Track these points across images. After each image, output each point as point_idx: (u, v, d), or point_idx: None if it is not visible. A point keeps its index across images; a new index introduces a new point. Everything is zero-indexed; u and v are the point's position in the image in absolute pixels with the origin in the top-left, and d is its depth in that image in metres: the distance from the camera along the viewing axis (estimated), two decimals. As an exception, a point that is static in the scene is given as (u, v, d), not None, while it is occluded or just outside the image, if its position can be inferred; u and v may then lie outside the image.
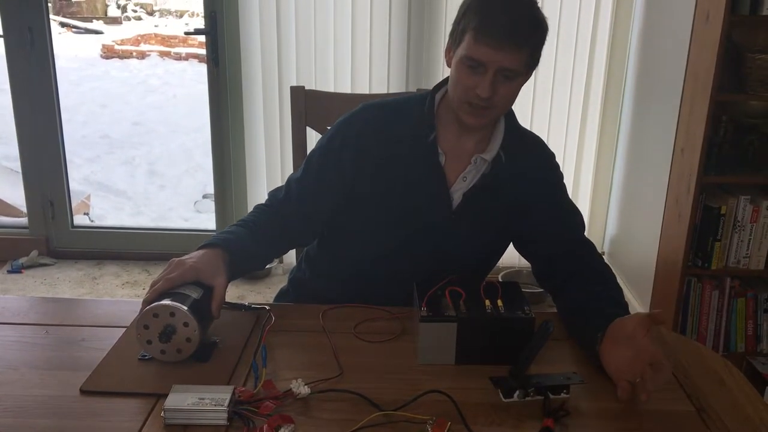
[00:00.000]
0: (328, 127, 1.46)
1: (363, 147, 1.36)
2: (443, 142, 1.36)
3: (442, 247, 1.38)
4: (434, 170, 1.35)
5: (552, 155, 1.46)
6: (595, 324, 1.16)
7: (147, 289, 1.17)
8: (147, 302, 1.12)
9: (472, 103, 1.27)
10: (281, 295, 1.60)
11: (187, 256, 1.21)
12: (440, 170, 1.35)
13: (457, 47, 1.27)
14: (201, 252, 1.24)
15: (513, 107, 1.38)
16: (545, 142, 1.47)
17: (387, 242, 1.39)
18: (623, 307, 1.23)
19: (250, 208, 1.48)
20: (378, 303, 1.34)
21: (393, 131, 1.37)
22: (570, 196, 1.47)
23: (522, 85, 1.31)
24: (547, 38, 1.29)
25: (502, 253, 1.49)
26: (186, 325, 1.10)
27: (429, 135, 1.34)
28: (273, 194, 1.46)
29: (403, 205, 1.36)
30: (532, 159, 1.42)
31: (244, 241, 1.31)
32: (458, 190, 1.36)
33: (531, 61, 1.27)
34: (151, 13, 13.43)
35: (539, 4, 1.27)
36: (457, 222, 1.37)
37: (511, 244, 1.47)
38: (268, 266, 3.25)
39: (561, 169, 1.46)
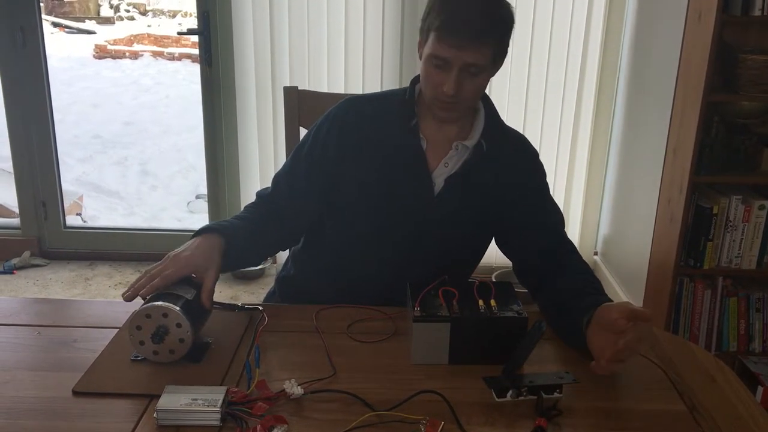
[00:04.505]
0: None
1: (347, 134, 1.38)
2: (425, 129, 1.38)
3: (424, 234, 1.39)
4: (416, 154, 1.37)
5: (536, 154, 1.47)
6: (581, 310, 1.18)
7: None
8: (138, 289, 1.14)
9: (440, 99, 1.29)
10: (268, 298, 1.60)
11: (183, 248, 1.22)
12: (422, 154, 1.37)
13: (424, 44, 1.30)
14: (197, 242, 1.24)
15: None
16: (530, 141, 1.48)
17: (370, 229, 1.40)
18: (605, 295, 1.24)
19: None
20: (363, 292, 1.35)
21: (376, 118, 1.39)
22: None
23: (489, 78, 1.33)
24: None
25: (485, 248, 1.50)
26: (179, 325, 1.10)
27: (411, 120, 1.37)
28: (261, 193, 1.46)
29: (385, 190, 1.38)
30: (516, 155, 1.43)
31: (239, 230, 1.32)
32: (440, 176, 1.38)
33: (496, 54, 1.29)
34: (144, 13, 13.39)
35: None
36: (438, 207, 1.38)
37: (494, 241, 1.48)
38: (261, 266, 3.25)
39: (545, 169, 1.47)
